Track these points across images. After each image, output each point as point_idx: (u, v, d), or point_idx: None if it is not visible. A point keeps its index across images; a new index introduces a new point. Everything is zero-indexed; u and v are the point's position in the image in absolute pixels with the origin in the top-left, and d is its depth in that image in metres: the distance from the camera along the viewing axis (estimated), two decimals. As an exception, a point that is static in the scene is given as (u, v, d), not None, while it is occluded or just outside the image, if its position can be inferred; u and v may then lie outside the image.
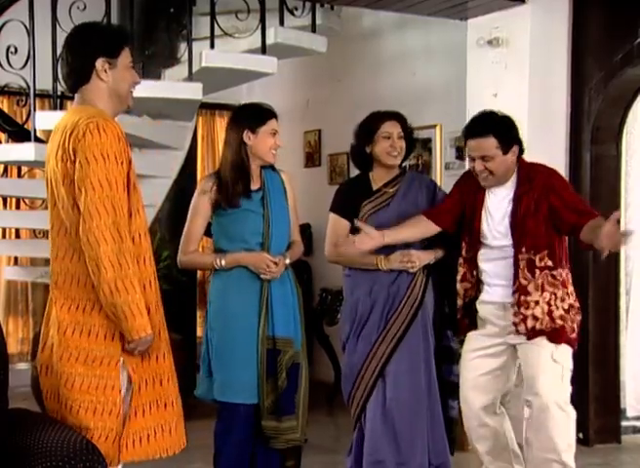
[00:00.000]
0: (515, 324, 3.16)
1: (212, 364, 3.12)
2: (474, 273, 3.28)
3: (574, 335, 3.20)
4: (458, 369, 3.40)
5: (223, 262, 3.10)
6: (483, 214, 3.24)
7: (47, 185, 2.50)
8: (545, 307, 3.13)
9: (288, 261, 3.16)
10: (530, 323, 3.14)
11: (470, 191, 3.29)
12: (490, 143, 3.13)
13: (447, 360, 3.45)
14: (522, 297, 3.14)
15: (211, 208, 3.15)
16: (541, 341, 3.15)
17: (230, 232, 3.15)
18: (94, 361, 2.37)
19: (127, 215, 2.35)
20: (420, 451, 3.32)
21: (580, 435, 4.44)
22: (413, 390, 3.32)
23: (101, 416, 2.37)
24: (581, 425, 4.42)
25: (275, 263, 3.08)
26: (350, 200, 3.44)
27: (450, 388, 3.42)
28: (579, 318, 3.24)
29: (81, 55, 2.49)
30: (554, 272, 3.15)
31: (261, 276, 3.09)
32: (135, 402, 2.41)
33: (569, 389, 3.21)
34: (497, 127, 3.16)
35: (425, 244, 3.39)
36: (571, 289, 3.21)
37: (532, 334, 3.15)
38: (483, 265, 3.26)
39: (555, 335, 3.14)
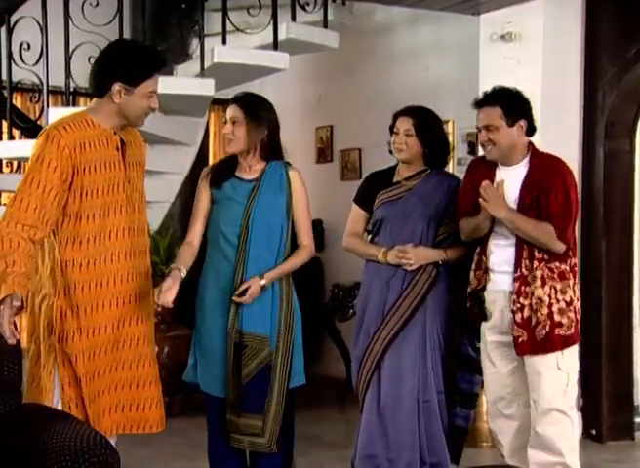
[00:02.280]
0: (513, 312, 3.13)
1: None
2: (484, 260, 3.25)
3: (570, 332, 3.12)
4: (477, 378, 3.38)
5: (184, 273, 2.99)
6: None
7: None
8: (547, 300, 3.09)
9: (263, 282, 2.99)
10: (526, 312, 3.10)
11: (481, 176, 3.24)
12: (495, 113, 3.14)
13: (464, 368, 3.42)
14: (522, 287, 3.11)
15: (208, 196, 3.14)
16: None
17: (211, 221, 3.11)
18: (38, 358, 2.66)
19: (32, 211, 2.49)
20: (409, 449, 3.32)
21: (593, 431, 4.43)
22: (403, 388, 3.32)
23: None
24: (594, 422, 4.42)
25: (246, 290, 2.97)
26: (370, 190, 3.49)
27: (461, 397, 3.41)
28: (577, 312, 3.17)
29: (103, 72, 2.63)
30: (551, 265, 3.11)
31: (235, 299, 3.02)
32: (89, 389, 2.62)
33: (573, 394, 3.16)
34: (503, 97, 3.17)
35: (441, 239, 3.38)
36: (572, 281, 3.14)
37: (527, 335, 3.10)
38: (491, 251, 3.22)
39: (554, 341, 3.08)
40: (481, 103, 3.21)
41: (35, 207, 2.49)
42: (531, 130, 3.21)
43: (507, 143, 3.16)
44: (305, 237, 3.16)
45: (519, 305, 3.12)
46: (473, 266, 3.28)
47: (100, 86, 2.63)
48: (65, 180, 2.54)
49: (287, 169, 3.15)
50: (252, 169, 3.12)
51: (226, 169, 3.15)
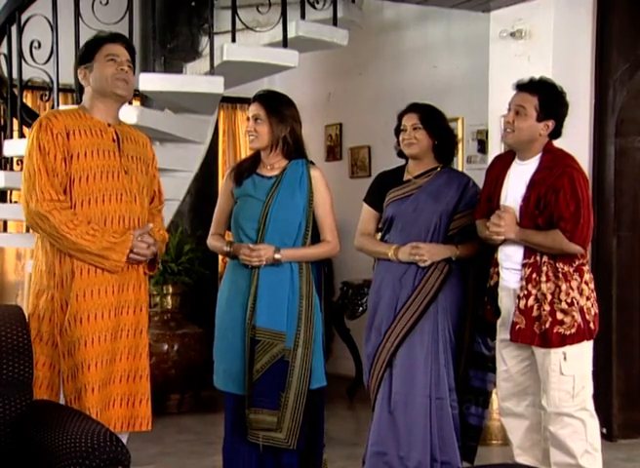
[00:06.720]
0: (519, 297, 3.09)
1: None
2: (495, 255, 3.23)
3: (571, 332, 3.07)
4: (490, 376, 3.37)
5: (229, 249, 3.13)
6: (503, 189, 3.20)
7: None
8: (549, 297, 3.06)
9: (278, 256, 3.03)
10: (531, 302, 3.07)
11: (498, 171, 3.26)
12: (531, 101, 3.11)
13: (476, 366, 3.41)
14: (532, 274, 3.08)
15: (230, 193, 3.20)
16: (549, 350, 3.07)
17: (232, 218, 3.17)
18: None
19: (49, 199, 2.63)
20: (420, 446, 3.32)
21: (604, 430, 4.41)
22: (415, 385, 3.32)
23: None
24: (605, 420, 4.40)
25: (252, 250, 3.02)
26: (380, 190, 3.50)
27: (475, 395, 3.40)
28: (593, 310, 3.13)
29: (74, 69, 2.96)
30: (556, 264, 3.07)
31: (245, 263, 3.06)
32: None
33: (585, 394, 3.13)
34: (546, 90, 3.14)
35: (452, 235, 3.38)
36: (576, 283, 3.09)
37: (527, 326, 3.07)
38: (501, 248, 3.20)
39: (552, 338, 3.06)
40: (523, 87, 3.17)
41: (50, 187, 2.63)
42: (556, 133, 3.19)
43: (528, 135, 3.13)
44: (328, 234, 3.18)
45: (526, 292, 3.09)
46: (494, 261, 3.26)
47: (78, 80, 2.89)
48: (63, 165, 2.66)
49: (308, 167, 3.16)
50: (273, 167, 3.15)
51: (248, 166, 3.18)
